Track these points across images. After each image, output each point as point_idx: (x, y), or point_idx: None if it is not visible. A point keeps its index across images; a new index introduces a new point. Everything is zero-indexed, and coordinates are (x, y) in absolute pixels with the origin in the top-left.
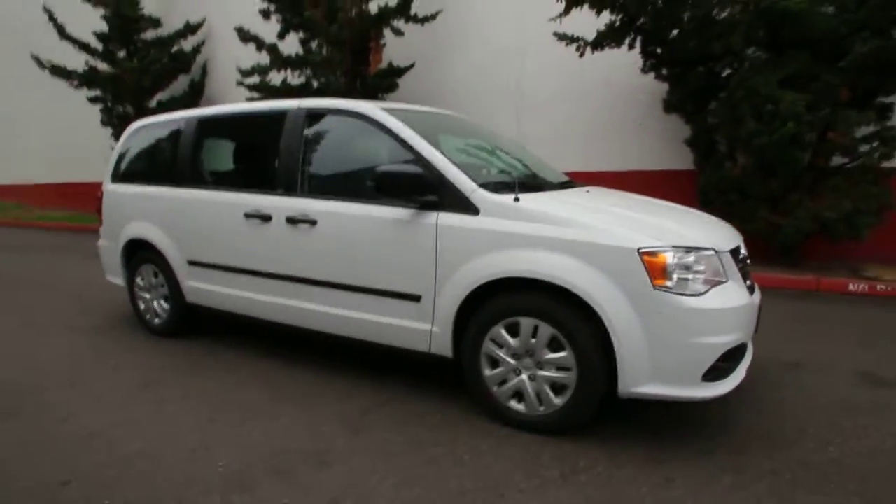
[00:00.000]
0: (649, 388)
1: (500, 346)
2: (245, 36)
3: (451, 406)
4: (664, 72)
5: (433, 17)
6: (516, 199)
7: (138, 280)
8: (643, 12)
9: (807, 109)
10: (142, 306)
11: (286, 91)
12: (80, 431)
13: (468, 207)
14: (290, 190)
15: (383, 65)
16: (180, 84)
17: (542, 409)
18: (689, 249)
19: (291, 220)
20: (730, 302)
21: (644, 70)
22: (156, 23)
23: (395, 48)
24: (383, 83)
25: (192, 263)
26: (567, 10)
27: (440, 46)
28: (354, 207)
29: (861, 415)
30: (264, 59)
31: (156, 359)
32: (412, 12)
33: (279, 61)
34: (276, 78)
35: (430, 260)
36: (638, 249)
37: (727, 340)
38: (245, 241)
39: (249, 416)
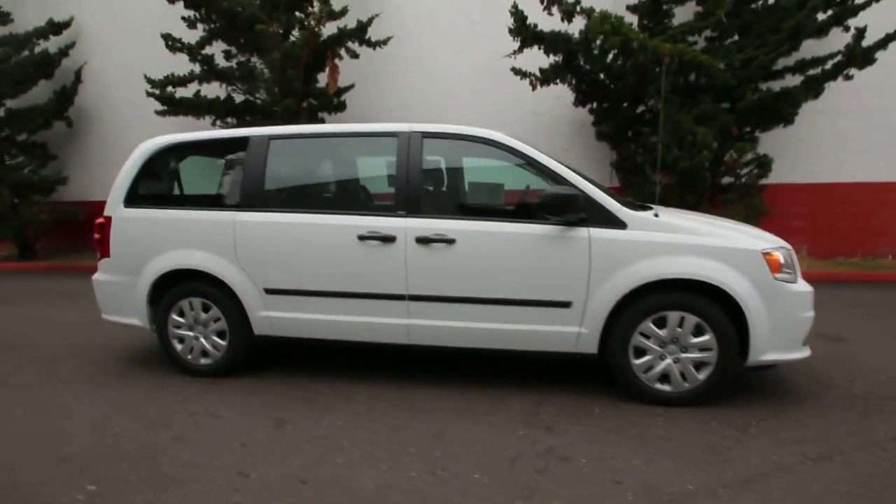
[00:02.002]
0: (769, 356)
1: (648, 337)
2: (175, 45)
3: (590, 399)
4: (594, 105)
5: (385, 42)
6: (656, 215)
7: (174, 317)
8: (588, 59)
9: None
10: (179, 346)
11: (220, 106)
12: None
13: (616, 223)
14: (414, 211)
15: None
16: (41, 91)
17: (686, 385)
18: (786, 249)
19: (423, 240)
20: (806, 286)
21: (576, 104)
22: (4, 17)
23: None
24: (332, 103)
25: (272, 292)
26: (521, 49)
27: (380, 70)
28: (496, 226)
29: None
30: (178, 67)
31: (255, 397)
32: (367, 36)
33: (211, 73)
34: (196, 90)
35: (583, 269)
36: (761, 251)
37: (812, 313)
38: (358, 264)
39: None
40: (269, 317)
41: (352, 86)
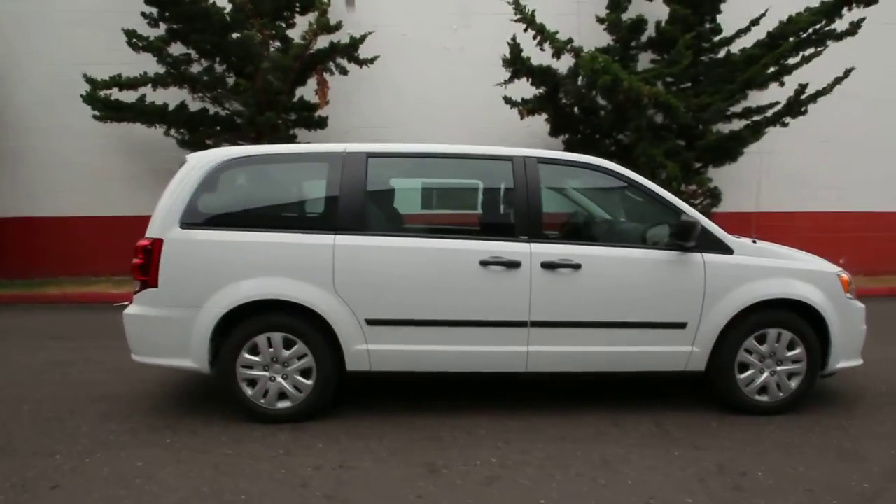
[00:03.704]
0: (840, 364)
1: (750, 353)
2: (139, 43)
3: (697, 414)
4: (566, 136)
5: (372, 60)
6: (754, 241)
7: (245, 356)
8: (569, 94)
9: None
10: (249, 391)
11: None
12: None
13: (724, 248)
14: (535, 236)
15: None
16: None
17: (781, 395)
18: (847, 272)
19: (549, 266)
20: (861, 303)
21: (552, 134)
22: None
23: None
24: (314, 119)
25: (375, 323)
26: (511, 80)
27: (351, 90)
28: (620, 251)
29: None
30: (106, 68)
31: (373, 442)
32: (356, 53)
33: (178, 77)
34: (140, 95)
35: (698, 292)
36: (837, 273)
37: (865, 327)
38: (478, 290)
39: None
40: (368, 350)
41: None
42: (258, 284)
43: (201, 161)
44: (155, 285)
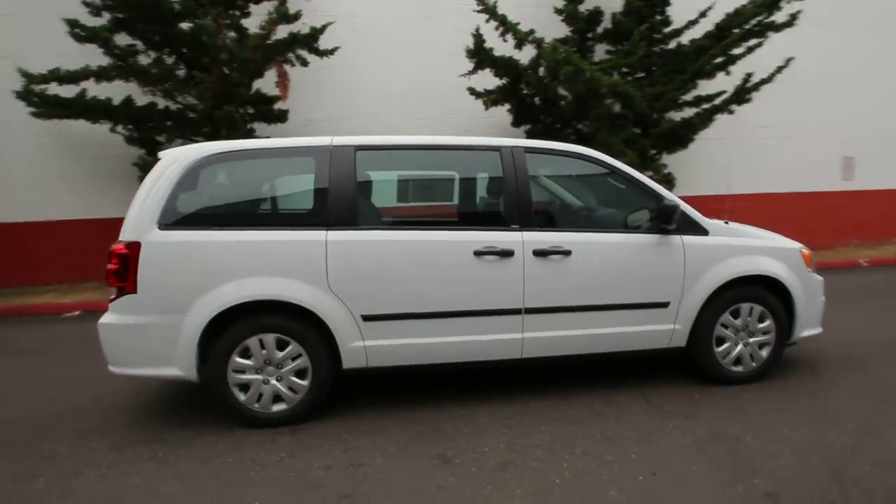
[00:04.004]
0: (804, 332)
1: (726, 327)
2: (81, 33)
3: (678, 388)
4: (528, 127)
5: (332, 51)
6: (726, 222)
7: (236, 359)
8: (530, 85)
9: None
10: (242, 396)
11: (120, 110)
12: None
13: (700, 230)
14: (526, 224)
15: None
16: None
17: (754, 364)
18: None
19: (541, 253)
20: (819, 276)
21: (513, 124)
22: None
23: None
24: (273, 112)
25: (371, 318)
26: (474, 70)
27: (308, 81)
28: (606, 236)
29: None
30: (62, 61)
31: (378, 438)
32: (316, 44)
33: (124, 70)
34: (80, 90)
35: (679, 272)
36: (799, 249)
37: (824, 298)
38: (473, 280)
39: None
40: (364, 347)
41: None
42: (248, 285)
43: (178, 158)
44: (133, 291)
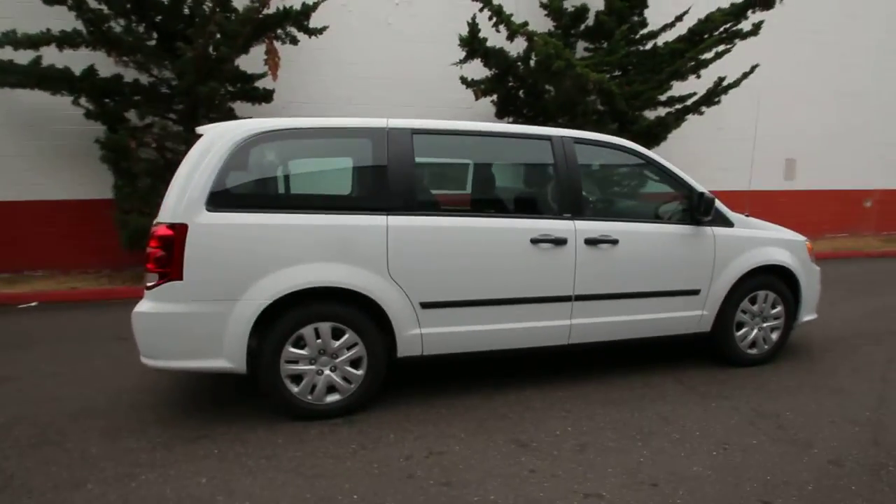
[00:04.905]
0: (805, 317)
1: (745, 312)
2: None
3: (698, 370)
4: (511, 119)
5: (321, 30)
6: (747, 216)
7: (290, 350)
8: (518, 78)
9: None
10: (294, 388)
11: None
12: None
13: (727, 222)
14: (578, 213)
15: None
16: None
17: (766, 347)
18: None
19: (591, 242)
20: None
21: (498, 115)
22: None
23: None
24: (258, 91)
25: (430, 306)
26: (465, 60)
27: (292, 62)
28: (648, 226)
29: None
30: (7, 23)
31: (443, 426)
32: (307, 22)
33: (97, 36)
34: (34, 57)
35: (710, 261)
36: (805, 241)
37: (820, 286)
38: (529, 268)
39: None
40: (421, 335)
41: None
42: (305, 271)
43: (225, 135)
44: (179, 277)
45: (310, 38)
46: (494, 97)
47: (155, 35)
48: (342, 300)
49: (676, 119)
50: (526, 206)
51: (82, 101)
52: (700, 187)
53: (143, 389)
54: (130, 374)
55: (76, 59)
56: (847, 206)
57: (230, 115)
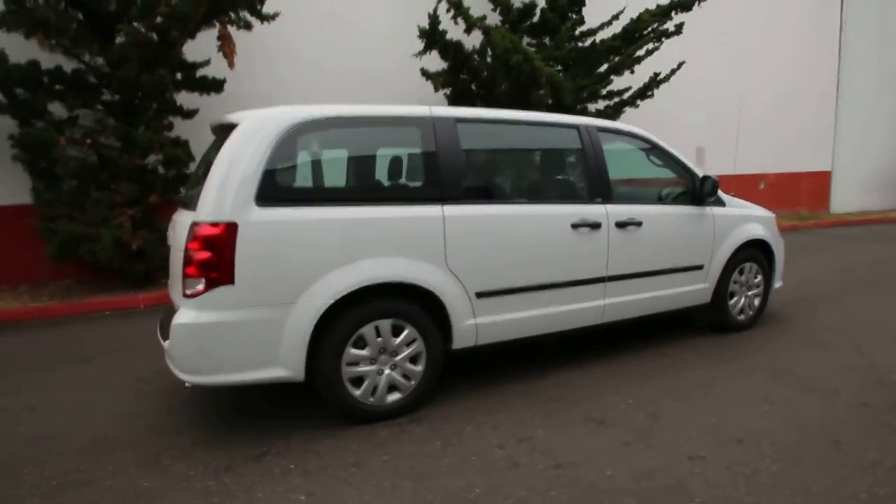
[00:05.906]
0: (776, 284)
1: (735, 283)
2: None
3: (689, 347)
4: None
5: (273, 17)
6: (733, 195)
7: (351, 351)
8: (472, 70)
9: None
10: (356, 391)
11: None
12: None
13: (721, 203)
14: (608, 198)
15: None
16: None
17: (751, 313)
18: None
19: (621, 225)
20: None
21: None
22: None
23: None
24: (206, 81)
25: (484, 295)
26: (424, 51)
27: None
28: (665, 209)
29: None
30: None
31: (518, 408)
32: (260, 7)
33: (21, 16)
34: None
35: (710, 238)
36: (773, 216)
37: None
38: (569, 252)
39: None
40: (476, 325)
41: (208, 61)
42: (366, 267)
43: (268, 124)
44: (230, 282)
45: (262, 23)
46: (449, 90)
47: (80, 16)
48: (400, 295)
49: (615, 111)
50: (563, 193)
51: None
52: (701, 171)
53: (152, 412)
54: (122, 399)
55: None
56: (745, 188)
57: (173, 106)
